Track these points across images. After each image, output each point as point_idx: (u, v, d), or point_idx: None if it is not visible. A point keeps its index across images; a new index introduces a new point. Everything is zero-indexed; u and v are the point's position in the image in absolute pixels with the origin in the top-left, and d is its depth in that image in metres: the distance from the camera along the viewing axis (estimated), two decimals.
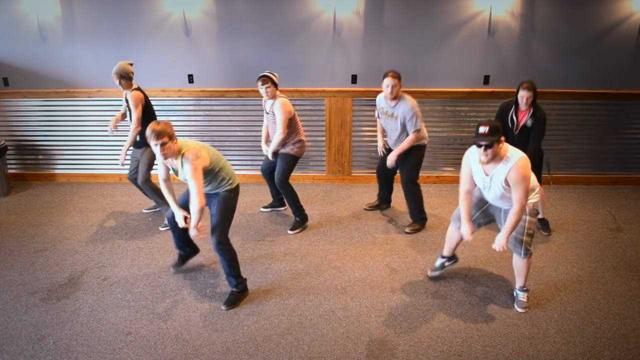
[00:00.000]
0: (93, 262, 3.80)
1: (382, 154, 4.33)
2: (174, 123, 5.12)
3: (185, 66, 5.07)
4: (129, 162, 4.50)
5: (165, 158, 2.99)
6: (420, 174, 4.19)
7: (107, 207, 4.78)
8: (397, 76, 3.85)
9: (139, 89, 4.18)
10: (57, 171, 5.52)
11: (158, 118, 5.22)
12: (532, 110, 3.81)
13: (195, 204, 2.95)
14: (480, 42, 4.87)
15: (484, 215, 3.31)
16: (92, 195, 5.12)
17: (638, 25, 4.76)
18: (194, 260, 3.77)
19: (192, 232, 3.05)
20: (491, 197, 3.07)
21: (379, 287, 3.46)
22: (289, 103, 4.02)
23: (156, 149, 2.88)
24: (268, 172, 4.38)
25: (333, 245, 4.03)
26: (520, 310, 3.18)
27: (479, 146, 2.81)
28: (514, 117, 3.89)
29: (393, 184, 4.56)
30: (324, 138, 5.23)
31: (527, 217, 3.01)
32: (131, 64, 4.12)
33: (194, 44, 4.98)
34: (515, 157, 2.85)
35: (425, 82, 5.03)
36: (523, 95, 3.76)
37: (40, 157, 5.47)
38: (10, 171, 5.41)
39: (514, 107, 3.89)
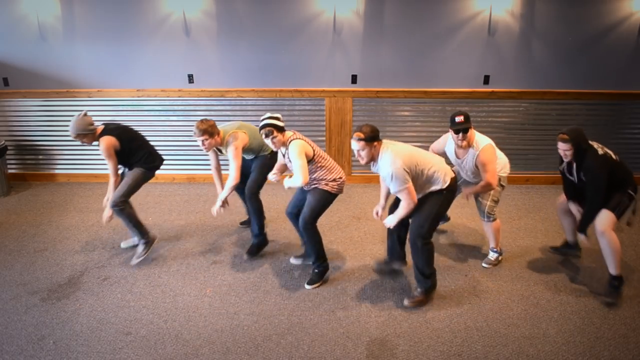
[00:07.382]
0: (93, 262, 3.80)
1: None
2: (173, 123, 5.16)
3: (185, 66, 5.07)
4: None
5: (208, 150, 3.54)
6: None
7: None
8: (365, 137, 2.86)
9: (106, 130, 3.53)
10: (57, 171, 5.52)
11: (158, 118, 5.24)
12: (576, 164, 3.18)
13: (231, 179, 3.48)
14: (480, 42, 4.87)
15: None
16: (92, 195, 5.12)
17: (638, 25, 4.76)
18: (194, 260, 3.78)
19: (215, 207, 3.56)
20: (465, 175, 3.55)
21: (379, 287, 3.46)
22: (302, 145, 3.22)
23: (198, 143, 3.46)
24: (295, 213, 3.52)
25: (333, 245, 4.03)
26: (484, 265, 3.66)
27: (457, 132, 3.24)
28: (567, 175, 3.36)
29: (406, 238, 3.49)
30: (324, 138, 5.23)
31: None
32: (85, 114, 3.50)
33: (194, 44, 4.98)
34: (481, 144, 3.31)
35: (425, 82, 5.03)
36: (559, 148, 3.13)
37: (40, 157, 5.48)
38: (10, 171, 5.41)
39: (564, 163, 3.32)
